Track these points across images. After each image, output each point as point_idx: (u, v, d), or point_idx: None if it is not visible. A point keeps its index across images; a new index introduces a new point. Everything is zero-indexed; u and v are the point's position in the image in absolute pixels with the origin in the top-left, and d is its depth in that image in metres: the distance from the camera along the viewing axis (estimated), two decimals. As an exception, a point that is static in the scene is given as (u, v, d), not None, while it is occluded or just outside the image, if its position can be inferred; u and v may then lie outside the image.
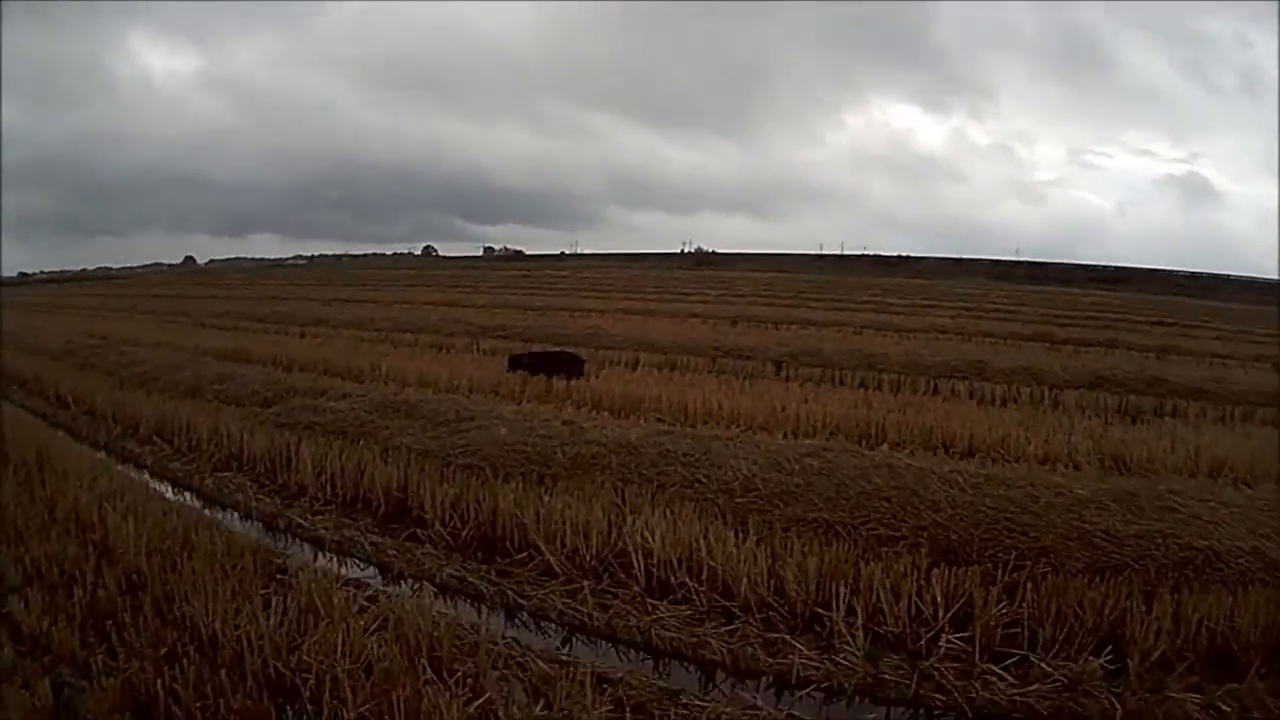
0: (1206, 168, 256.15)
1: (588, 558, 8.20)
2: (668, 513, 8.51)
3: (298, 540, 9.56)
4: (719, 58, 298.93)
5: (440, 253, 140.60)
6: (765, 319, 32.78)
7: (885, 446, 11.90)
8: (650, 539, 7.98)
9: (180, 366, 19.14)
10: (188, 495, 11.41)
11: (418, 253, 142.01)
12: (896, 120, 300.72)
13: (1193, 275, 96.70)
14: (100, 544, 8.32)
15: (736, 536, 8.03)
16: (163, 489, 11.56)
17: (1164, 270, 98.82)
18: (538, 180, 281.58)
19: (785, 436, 12.34)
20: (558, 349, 19.93)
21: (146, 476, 12.31)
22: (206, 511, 10.43)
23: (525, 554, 8.45)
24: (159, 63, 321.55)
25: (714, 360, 20.55)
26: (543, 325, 27.81)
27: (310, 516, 10.04)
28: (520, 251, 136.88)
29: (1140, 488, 9.10)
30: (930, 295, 52.53)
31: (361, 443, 11.49)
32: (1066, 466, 11.29)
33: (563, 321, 30.09)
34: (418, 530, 9.28)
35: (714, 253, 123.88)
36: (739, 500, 8.98)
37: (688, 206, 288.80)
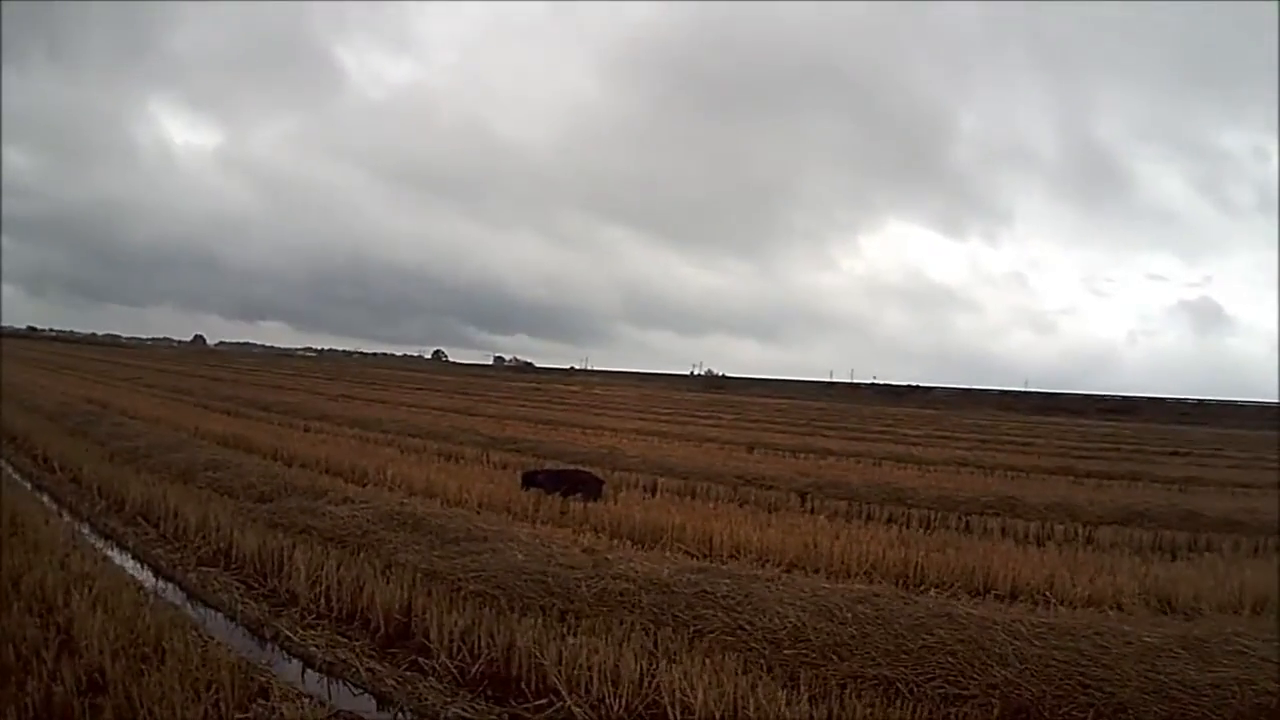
0: (1219, 291, 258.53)
1: (616, 708, 7.23)
2: (708, 663, 7.54)
3: (285, 654, 8.57)
4: (738, 174, 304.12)
5: (450, 358, 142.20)
6: (782, 446, 32.02)
7: (932, 591, 11.23)
8: (689, 692, 7.04)
9: (175, 447, 18.39)
10: (168, 587, 10.51)
11: (428, 356, 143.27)
12: (912, 244, 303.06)
13: (1200, 403, 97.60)
14: (64, 631, 7.62)
15: (787, 694, 7.11)
16: (142, 576, 10.73)
17: (1171, 399, 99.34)
18: (551, 292, 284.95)
19: (823, 576, 11.56)
20: (573, 468, 18.98)
21: (126, 560, 11.54)
22: (187, 608, 9.61)
23: (544, 699, 7.46)
24: (179, 134, 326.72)
25: (735, 488, 19.44)
26: (556, 441, 26.77)
27: (300, 630, 9.00)
28: (530, 363, 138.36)
29: (1208, 632, 8.36)
30: (942, 426, 52.78)
31: (362, 555, 10.58)
32: (1114, 609, 10.76)
33: (575, 438, 29.10)
34: (420, 659, 8.25)
35: (724, 376, 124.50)
36: (788, 652, 7.99)
37: (699, 327, 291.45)
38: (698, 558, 12.48)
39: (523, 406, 47.84)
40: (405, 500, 13.87)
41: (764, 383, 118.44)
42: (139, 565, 11.37)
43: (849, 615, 8.48)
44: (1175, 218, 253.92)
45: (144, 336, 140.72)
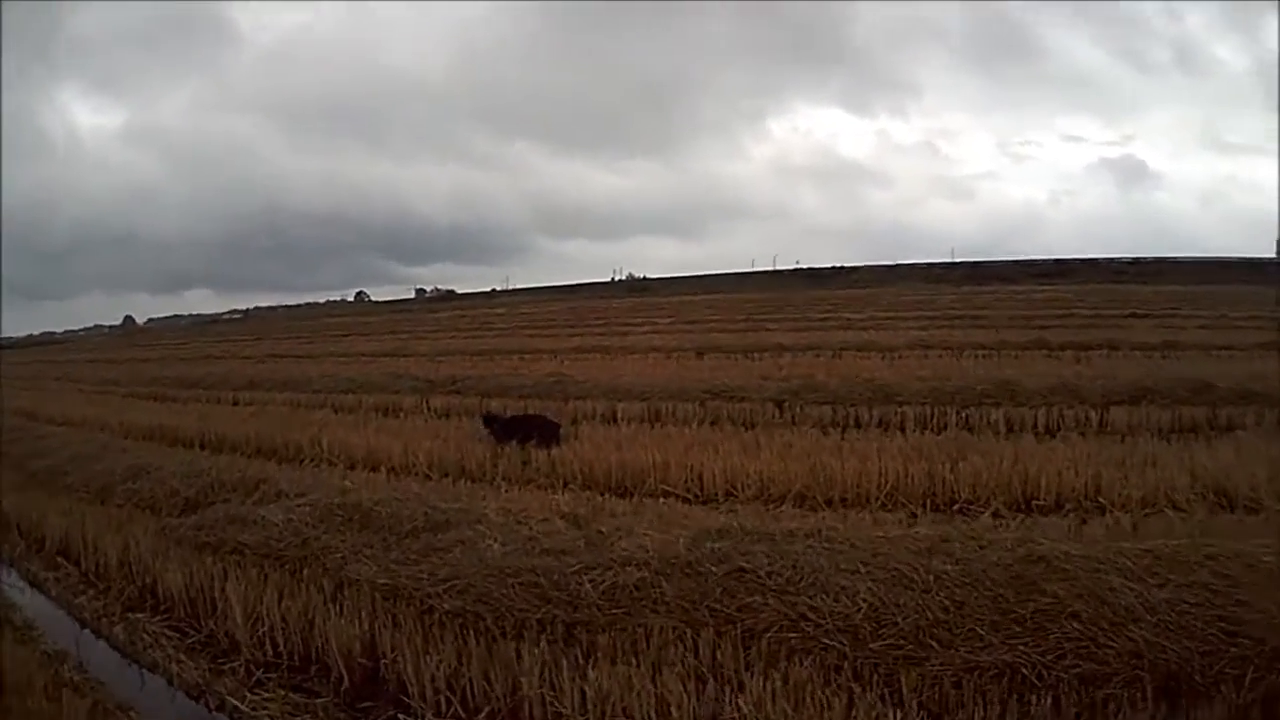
0: (1142, 149, 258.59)
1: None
2: (778, 680, 5.73)
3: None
4: (636, 76, 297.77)
5: (373, 297, 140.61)
6: (732, 347, 30.55)
7: (986, 513, 9.98)
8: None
9: (96, 455, 16.08)
10: (98, 646, 8.45)
11: (351, 299, 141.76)
12: (820, 125, 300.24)
13: (1135, 260, 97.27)
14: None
15: (895, 711, 5.43)
16: (66, 635, 8.67)
17: (1103, 259, 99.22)
18: (464, 215, 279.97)
19: (847, 509, 10.32)
20: (525, 414, 16.85)
21: (48, 610, 9.60)
22: (120, 678, 7.66)
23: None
24: (86, 118, 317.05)
25: (703, 404, 17.77)
26: (497, 374, 24.88)
27: (247, 692, 6.99)
28: (452, 291, 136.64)
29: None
30: (881, 305, 51.96)
31: (306, 574, 8.52)
32: (1171, 509, 9.52)
33: (516, 367, 27.38)
34: (400, 717, 6.41)
35: (647, 278, 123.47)
36: (874, 646, 6.09)
37: (615, 232, 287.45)
38: (692, 501, 11.16)
39: (453, 338, 46.34)
40: (347, 481, 11.95)
41: (687, 280, 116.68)
42: (65, 615, 9.43)
43: (929, 577, 6.69)
44: (1089, 80, 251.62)
45: (76, 328, 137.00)
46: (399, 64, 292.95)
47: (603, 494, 11.66)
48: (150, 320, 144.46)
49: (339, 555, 8.75)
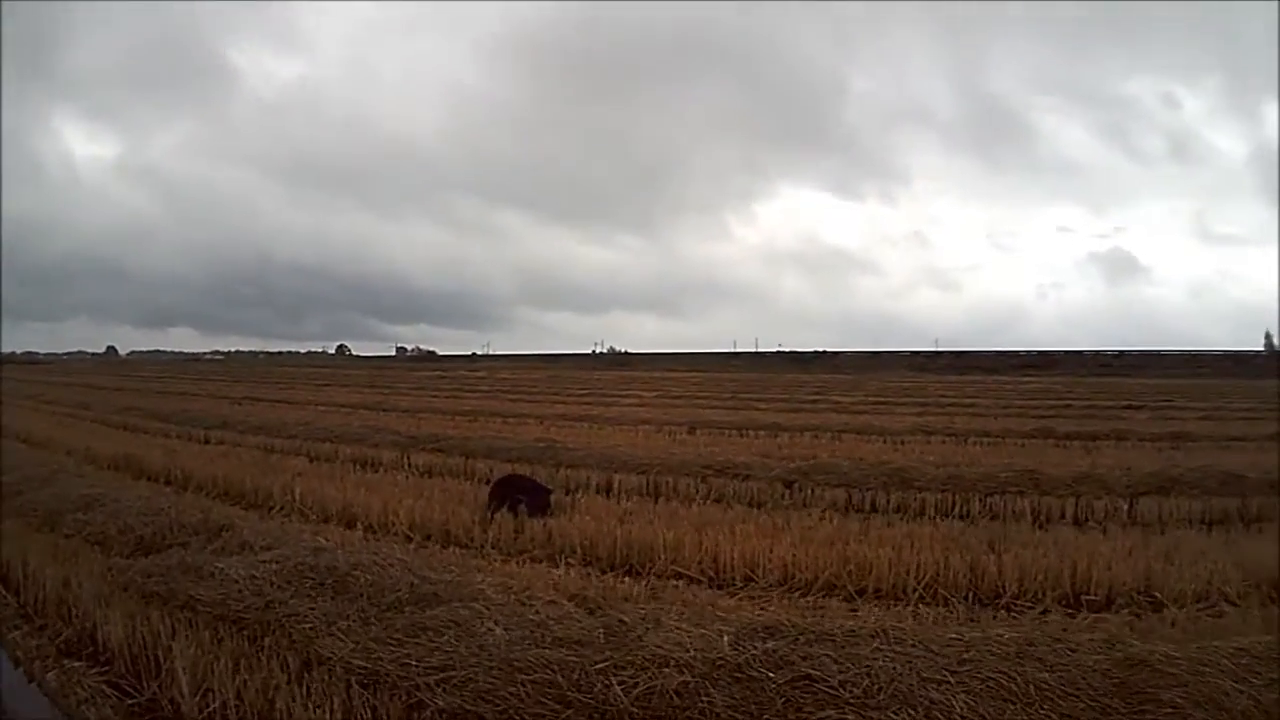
0: (1131, 241, 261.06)
1: None
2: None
3: None
4: (624, 151, 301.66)
5: (354, 351, 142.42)
6: (723, 424, 29.50)
7: (1036, 609, 9.07)
8: None
9: (49, 478, 14.86)
10: (27, 692, 7.08)
11: (332, 351, 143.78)
12: (807, 209, 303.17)
13: (1120, 354, 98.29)
14: None
15: None
16: None
17: (1089, 351, 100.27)
18: (449, 280, 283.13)
19: (883, 601, 9.45)
20: (515, 474, 15.69)
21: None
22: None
23: None
24: (80, 147, 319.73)
25: (706, 480, 16.54)
26: (481, 435, 23.65)
27: None
28: (432, 352, 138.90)
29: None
30: (869, 391, 51.58)
31: (267, 642, 7.09)
32: (1227, 604, 8.98)
33: (501, 429, 26.15)
34: None
35: (627, 352, 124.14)
36: None
37: (598, 306, 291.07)
38: (708, 585, 10.04)
39: (434, 397, 45.25)
40: (321, 537, 10.49)
41: (668, 357, 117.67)
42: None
43: (1028, 688, 5.60)
44: (1081, 169, 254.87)
45: (60, 352, 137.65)
46: (393, 126, 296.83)
47: (606, 572, 10.54)
48: (133, 352, 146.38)
49: (308, 625, 7.30)
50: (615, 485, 16.57)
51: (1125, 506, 14.53)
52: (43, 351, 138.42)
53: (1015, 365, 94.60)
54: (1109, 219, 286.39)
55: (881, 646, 6.25)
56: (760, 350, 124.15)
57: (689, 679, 5.76)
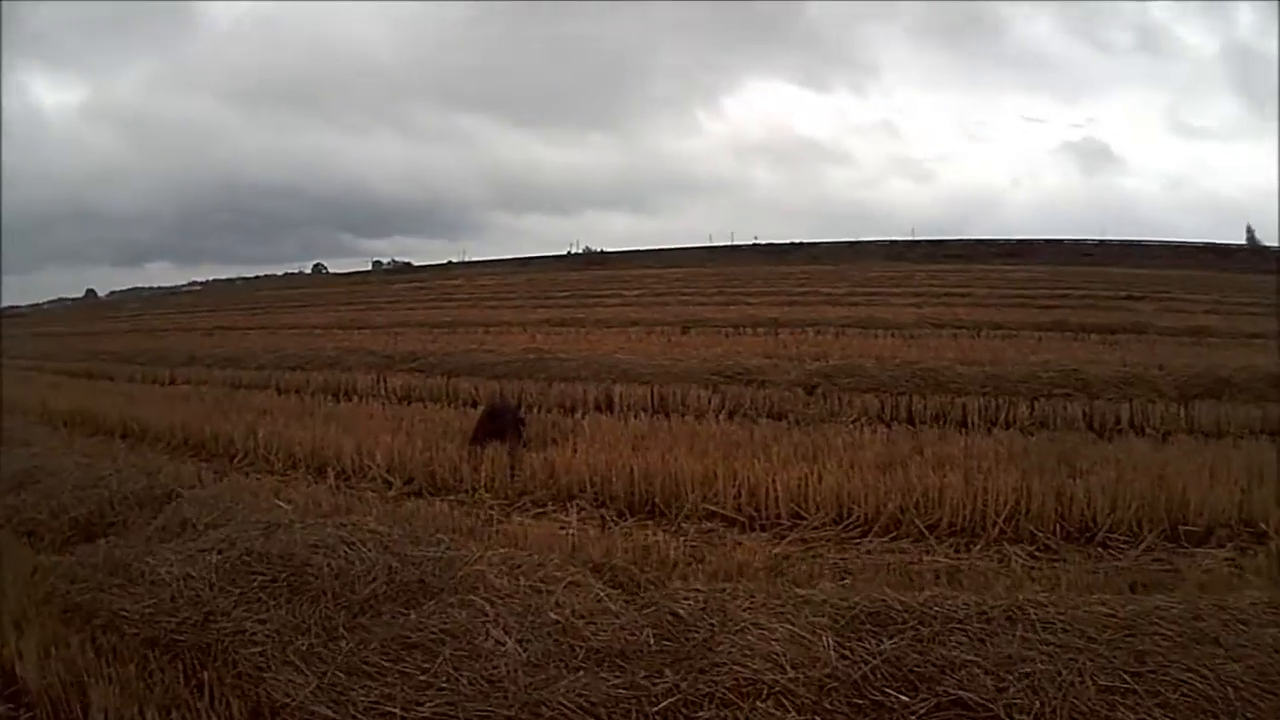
0: (1103, 132, 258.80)
1: None
2: None
3: None
4: (589, 50, 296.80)
5: (330, 269, 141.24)
6: (716, 322, 27.99)
7: (1137, 547, 7.52)
8: None
9: None
10: None
11: (309, 271, 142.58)
12: (776, 101, 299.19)
13: (1100, 242, 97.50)
14: None
15: None
16: None
17: (1069, 240, 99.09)
18: (419, 190, 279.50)
19: (958, 539, 7.88)
20: (502, 395, 14.35)
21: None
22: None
23: None
24: (47, 97, 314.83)
25: (717, 389, 14.85)
26: (463, 348, 21.70)
27: None
28: (409, 263, 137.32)
29: None
30: (858, 281, 49.12)
31: (206, 678, 5.23)
32: None
33: (483, 341, 24.20)
34: None
35: (603, 251, 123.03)
36: None
37: (570, 207, 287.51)
38: (752, 527, 8.42)
39: (412, 310, 43.20)
40: (279, 500, 8.62)
41: (644, 254, 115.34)
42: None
43: (1227, 691, 4.21)
44: (1049, 60, 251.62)
45: (40, 301, 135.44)
46: (351, 39, 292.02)
47: (625, 516, 8.86)
48: (112, 293, 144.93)
49: (256, 650, 5.42)
50: (616, 399, 15.01)
51: (1179, 412, 13.06)
52: (24, 304, 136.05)
53: (994, 253, 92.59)
54: (1080, 110, 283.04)
55: (1028, 635, 4.70)
56: (736, 244, 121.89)
57: (792, 717, 4.03)
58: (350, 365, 20.69)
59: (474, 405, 14.48)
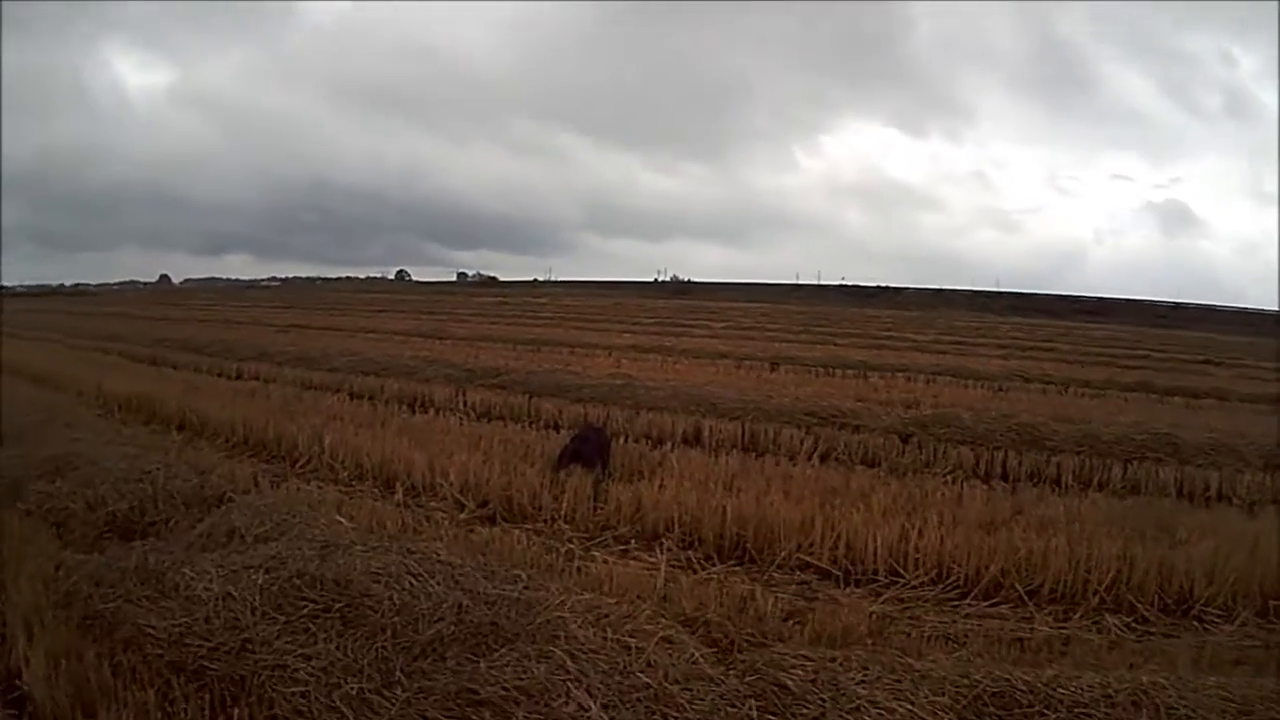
0: (1186, 193, 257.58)
1: None
2: None
3: None
4: (692, 77, 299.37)
5: (414, 277, 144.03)
6: (805, 361, 27.01)
7: (1232, 623, 7.21)
8: None
9: (35, 430, 12.56)
10: None
11: (391, 277, 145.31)
12: (872, 142, 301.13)
13: (1176, 306, 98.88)
14: None
15: None
16: None
17: (1145, 301, 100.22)
18: (510, 205, 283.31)
19: (1056, 606, 7.49)
20: (587, 419, 13.96)
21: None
22: None
23: None
24: (131, 76, 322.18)
25: (810, 431, 14.24)
26: (546, 368, 21.17)
27: None
28: (494, 278, 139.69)
29: None
30: (944, 329, 49.19)
31: (236, 715, 4.77)
32: None
33: (567, 362, 23.71)
34: None
35: (690, 281, 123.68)
36: None
37: (660, 233, 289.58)
38: (848, 582, 7.94)
39: (494, 324, 42.58)
40: (343, 511, 8.30)
41: (730, 287, 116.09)
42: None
43: None
44: (1140, 119, 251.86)
45: (111, 281, 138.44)
46: (454, 48, 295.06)
47: (713, 560, 8.36)
48: (187, 280, 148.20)
49: (297, 689, 4.89)
50: (706, 434, 14.36)
51: (1266, 481, 12.52)
52: (94, 283, 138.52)
53: (1076, 309, 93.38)
54: (1165, 170, 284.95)
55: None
56: (822, 283, 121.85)
57: None
58: (428, 376, 20.26)
59: (556, 428, 14.13)
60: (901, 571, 7.97)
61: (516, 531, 8.85)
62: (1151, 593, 7.60)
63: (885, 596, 7.57)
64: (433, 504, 9.93)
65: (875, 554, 8.10)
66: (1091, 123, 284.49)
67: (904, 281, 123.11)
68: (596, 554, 8.31)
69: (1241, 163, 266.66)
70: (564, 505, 9.60)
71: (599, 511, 9.47)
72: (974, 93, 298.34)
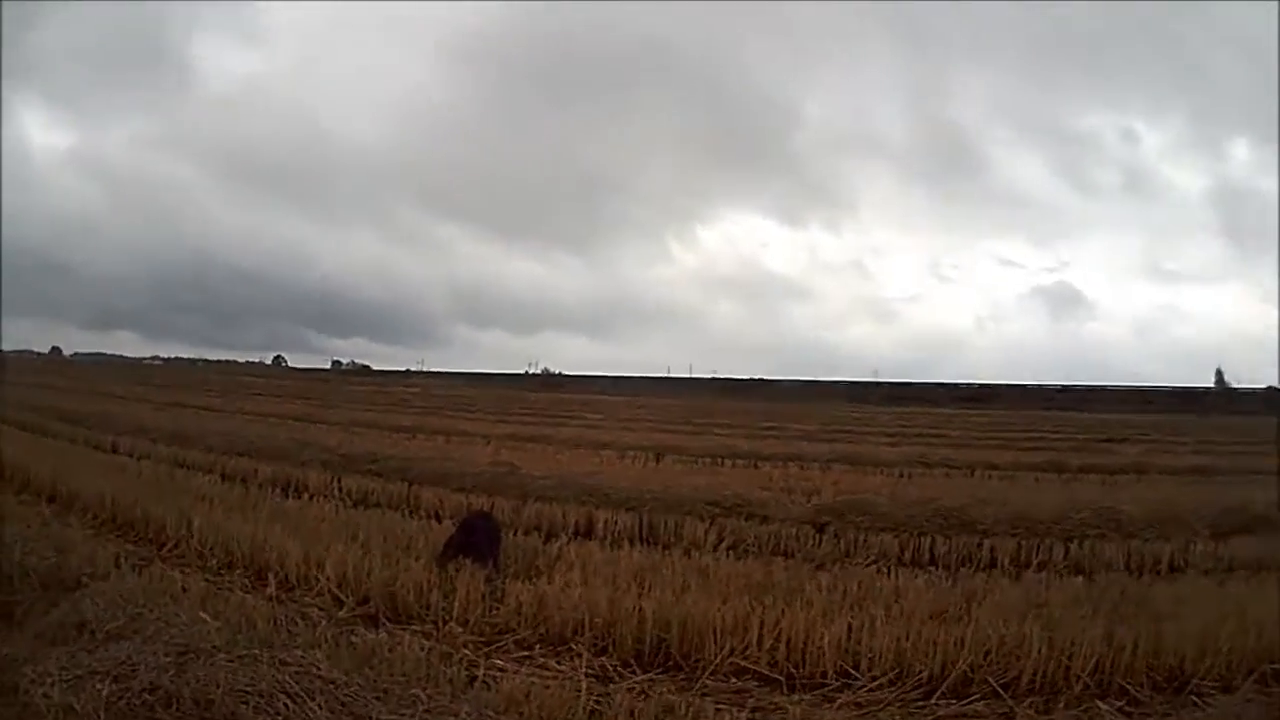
0: (1076, 276, 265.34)
1: None
2: None
3: None
4: (571, 165, 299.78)
5: (290, 363, 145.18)
6: (692, 451, 26.21)
7: (1247, 700, 6.89)
8: None
9: None
10: None
11: (269, 361, 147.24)
12: (749, 233, 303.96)
13: (1064, 388, 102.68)
14: None
15: None
16: None
17: (1032, 385, 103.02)
18: (387, 292, 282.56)
19: (1036, 698, 7.04)
20: (479, 511, 12.31)
21: None
22: None
23: None
24: (38, 134, 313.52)
25: (714, 522, 13.39)
26: (426, 455, 20.06)
27: None
28: (367, 366, 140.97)
29: None
30: (826, 420, 49.29)
31: None
32: None
33: (447, 451, 22.28)
34: None
35: (561, 374, 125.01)
36: None
37: (530, 325, 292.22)
38: (794, 688, 7.11)
39: (368, 411, 42.05)
40: (208, 607, 7.17)
41: (600, 380, 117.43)
42: None
43: None
44: (1030, 201, 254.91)
45: (7, 349, 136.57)
46: (341, 129, 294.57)
47: (632, 667, 7.42)
48: (76, 354, 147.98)
49: None
50: (600, 525, 13.52)
51: (1215, 550, 12.69)
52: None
53: (955, 398, 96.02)
54: (1055, 253, 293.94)
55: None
56: (695, 375, 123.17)
57: None
58: (303, 459, 19.10)
59: (438, 518, 13.26)
60: (854, 672, 7.24)
61: (405, 634, 7.69)
62: (1141, 672, 7.33)
63: (840, 701, 6.88)
64: (308, 599, 8.87)
65: (823, 654, 7.30)
66: (979, 207, 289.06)
67: (777, 374, 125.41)
68: (498, 661, 7.37)
69: (1138, 240, 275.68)
70: (455, 604, 8.55)
71: (496, 612, 8.43)
72: (858, 180, 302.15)
